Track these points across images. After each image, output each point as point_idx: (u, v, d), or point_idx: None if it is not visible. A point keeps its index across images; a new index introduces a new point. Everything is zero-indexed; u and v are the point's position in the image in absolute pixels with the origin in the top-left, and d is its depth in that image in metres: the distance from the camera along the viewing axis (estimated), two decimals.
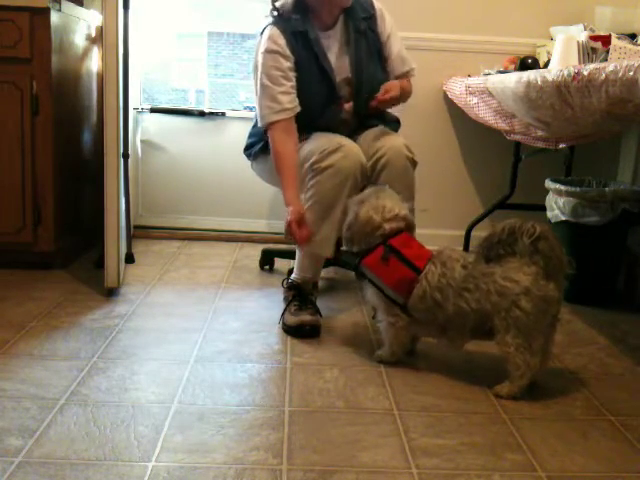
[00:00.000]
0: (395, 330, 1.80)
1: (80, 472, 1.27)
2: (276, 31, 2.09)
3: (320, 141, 2.07)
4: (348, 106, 2.21)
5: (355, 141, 2.17)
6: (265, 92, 2.09)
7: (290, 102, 2.09)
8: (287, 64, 2.09)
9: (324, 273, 2.68)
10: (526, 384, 1.65)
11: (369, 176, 2.15)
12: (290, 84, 2.09)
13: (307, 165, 2.05)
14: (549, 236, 1.64)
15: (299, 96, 2.11)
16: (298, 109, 2.11)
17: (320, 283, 2.54)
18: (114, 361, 1.77)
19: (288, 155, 2.07)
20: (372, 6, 2.24)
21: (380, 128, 2.23)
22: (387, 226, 1.81)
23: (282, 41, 2.08)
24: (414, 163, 2.17)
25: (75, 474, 1.26)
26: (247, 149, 2.38)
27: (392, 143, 2.15)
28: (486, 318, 1.66)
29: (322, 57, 2.13)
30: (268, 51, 2.08)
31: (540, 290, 1.61)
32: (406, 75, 2.32)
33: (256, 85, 2.16)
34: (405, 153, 2.14)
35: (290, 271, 2.24)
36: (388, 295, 1.78)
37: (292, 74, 2.10)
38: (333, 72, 2.15)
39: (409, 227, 1.86)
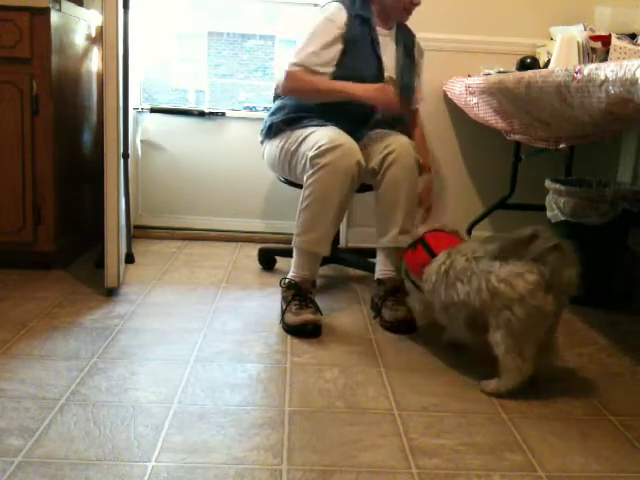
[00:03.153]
0: (424, 315, 1.98)
1: (80, 472, 1.27)
2: (342, 9, 2.26)
3: (321, 135, 2.11)
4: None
5: (362, 139, 2.22)
6: (310, 46, 2.22)
7: (324, 67, 2.22)
8: (338, 45, 2.23)
9: (322, 271, 2.68)
10: (513, 386, 1.65)
11: (377, 172, 2.17)
12: (332, 54, 2.23)
13: (307, 157, 2.10)
14: (566, 251, 1.60)
15: (349, 70, 2.24)
16: (326, 78, 2.22)
17: (318, 281, 2.55)
18: (114, 361, 1.77)
19: (314, 77, 2.22)
20: (414, 37, 2.48)
21: (387, 130, 2.30)
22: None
23: (343, 18, 2.24)
24: (420, 166, 2.22)
25: (75, 474, 1.26)
26: (268, 128, 2.39)
27: (401, 141, 2.21)
28: (476, 313, 1.68)
29: (376, 43, 2.29)
30: (329, 19, 2.24)
31: (536, 300, 1.59)
32: (417, 105, 2.56)
33: (306, 39, 2.25)
34: (413, 153, 2.20)
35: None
36: (413, 281, 1.96)
37: (337, 50, 2.23)
38: (382, 59, 2.30)
39: (452, 232, 1.99)
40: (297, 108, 2.30)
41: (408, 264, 1.99)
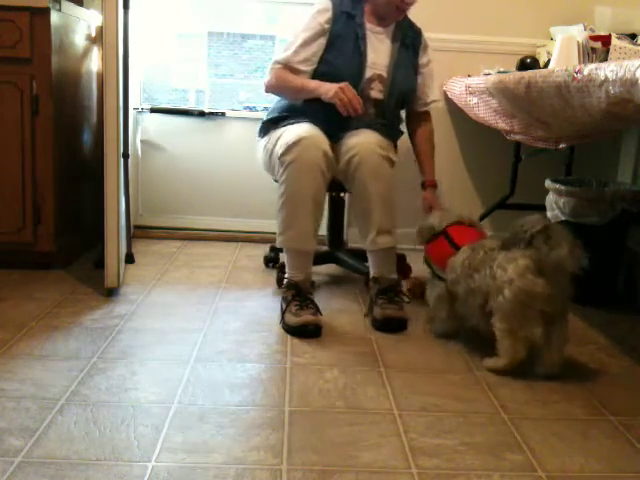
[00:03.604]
0: (437, 301, 2.03)
1: (80, 472, 1.27)
2: (328, 4, 2.28)
3: (289, 132, 2.14)
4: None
5: (340, 139, 2.22)
6: (292, 44, 2.27)
7: (304, 64, 2.25)
8: (320, 41, 2.26)
9: (322, 271, 2.68)
10: (506, 365, 1.77)
11: (345, 175, 2.18)
12: (313, 50, 2.25)
13: (277, 156, 2.13)
14: (553, 233, 1.72)
15: (330, 66, 2.26)
16: (305, 76, 2.26)
17: (319, 282, 2.55)
18: (114, 361, 1.77)
19: (291, 76, 2.26)
20: (420, 33, 2.45)
21: (360, 129, 2.26)
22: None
23: (328, 14, 2.26)
24: (391, 161, 2.18)
25: (75, 474, 1.26)
26: (259, 128, 2.43)
27: (364, 142, 2.17)
28: (485, 298, 1.81)
29: (361, 39, 2.28)
30: (312, 16, 2.28)
31: (524, 283, 1.70)
32: (423, 108, 2.50)
33: (291, 38, 2.31)
34: (377, 151, 2.14)
35: (282, 266, 2.26)
36: (435, 272, 2.05)
37: (318, 45, 2.26)
38: (366, 55, 2.28)
39: (471, 224, 2.11)
40: (285, 108, 2.33)
41: (431, 255, 2.11)
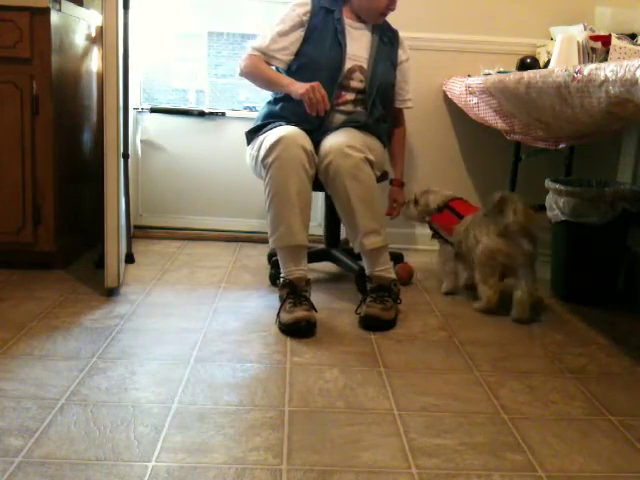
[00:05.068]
0: (445, 260, 2.50)
1: (80, 472, 1.27)
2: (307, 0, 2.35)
3: (269, 136, 2.16)
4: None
5: (322, 139, 2.23)
6: (271, 33, 2.33)
7: (281, 53, 2.32)
8: (298, 32, 2.32)
9: (321, 269, 2.68)
10: (483, 307, 2.27)
11: (324, 177, 2.18)
12: (291, 40, 2.32)
13: (260, 161, 2.16)
14: (507, 200, 2.15)
15: (308, 58, 2.31)
16: (281, 65, 2.33)
17: (319, 281, 2.55)
18: (114, 361, 1.77)
19: (267, 67, 2.33)
20: (396, 33, 2.50)
21: (339, 130, 2.27)
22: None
23: (307, 7, 2.33)
24: (369, 162, 2.16)
25: (75, 474, 1.26)
26: (247, 136, 2.45)
27: (337, 145, 2.15)
28: (471, 254, 2.29)
29: (340, 32, 2.33)
30: (291, 8, 2.35)
31: (490, 242, 2.20)
32: (401, 105, 2.58)
33: (270, 27, 2.37)
34: (353, 153, 2.12)
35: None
36: (442, 235, 2.49)
37: (295, 36, 2.32)
38: (346, 47, 2.32)
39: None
40: (265, 116, 2.37)
41: (439, 224, 2.50)
